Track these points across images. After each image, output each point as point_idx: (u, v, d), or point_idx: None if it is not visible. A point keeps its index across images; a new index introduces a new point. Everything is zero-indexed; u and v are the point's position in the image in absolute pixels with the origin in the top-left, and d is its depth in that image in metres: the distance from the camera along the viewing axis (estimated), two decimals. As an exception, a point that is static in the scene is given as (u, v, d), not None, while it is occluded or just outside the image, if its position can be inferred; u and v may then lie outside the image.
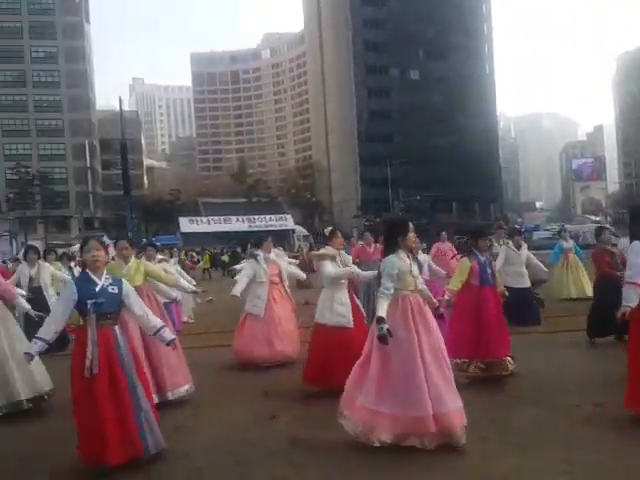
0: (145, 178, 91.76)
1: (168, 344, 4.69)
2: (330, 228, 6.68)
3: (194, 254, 33.32)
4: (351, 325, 5.94)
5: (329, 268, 6.04)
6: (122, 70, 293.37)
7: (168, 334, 4.67)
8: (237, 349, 7.71)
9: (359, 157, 79.94)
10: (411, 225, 4.70)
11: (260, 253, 7.91)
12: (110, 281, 4.36)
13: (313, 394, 6.00)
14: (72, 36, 70.71)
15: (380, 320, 4.28)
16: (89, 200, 70.73)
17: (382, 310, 4.34)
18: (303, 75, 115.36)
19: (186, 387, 6.05)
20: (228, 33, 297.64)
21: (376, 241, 9.86)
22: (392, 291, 4.45)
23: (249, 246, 13.89)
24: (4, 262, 22.41)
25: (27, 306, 6.47)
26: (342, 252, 6.41)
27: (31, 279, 9.40)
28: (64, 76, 70.52)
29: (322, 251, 6.33)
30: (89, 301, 4.18)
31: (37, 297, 8.72)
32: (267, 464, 4.28)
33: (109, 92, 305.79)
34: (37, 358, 5.12)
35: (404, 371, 4.32)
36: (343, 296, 6.04)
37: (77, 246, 14.18)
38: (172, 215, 62.70)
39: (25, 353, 4.41)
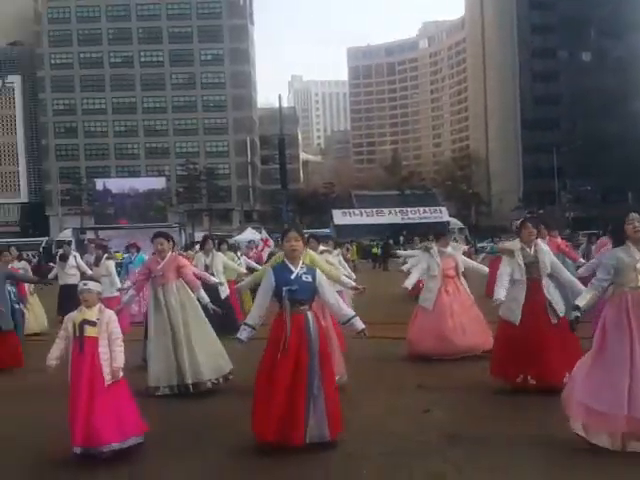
0: (301, 172, 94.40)
1: (359, 333, 4.79)
2: (521, 219, 6.52)
3: (349, 246, 33.20)
4: (516, 322, 5.82)
5: (502, 266, 6.06)
6: (281, 68, 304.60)
7: (359, 323, 4.76)
8: (409, 341, 7.81)
9: (521, 145, 75.48)
10: (634, 215, 4.35)
11: (434, 247, 7.91)
12: (305, 270, 4.60)
13: (470, 389, 5.99)
14: (237, 38, 73.89)
15: (575, 307, 4.41)
16: (249, 194, 73.98)
17: (582, 299, 4.44)
18: (462, 62, 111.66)
19: (337, 377, 6.14)
20: (384, 26, 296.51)
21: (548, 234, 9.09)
22: (604, 284, 4.40)
23: (420, 240, 13.81)
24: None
25: (207, 299, 6.66)
26: (537, 242, 6.09)
27: (206, 267, 9.82)
28: (229, 77, 73.99)
29: (505, 245, 6.26)
30: (284, 288, 4.46)
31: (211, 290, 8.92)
32: (420, 458, 4.24)
33: (269, 90, 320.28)
34: (218, 341, 6.34)
35: (609, 374, 4.16)
36: (517, 292, 5.90)
37: (238, 237, 15.24)
38: (326, 208, 63.48)
39: (235, 338, 4.74)
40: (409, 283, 8.01)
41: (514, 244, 6.05)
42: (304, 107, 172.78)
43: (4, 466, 4.43)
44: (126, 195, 66.93)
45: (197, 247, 13.07)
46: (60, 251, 14.21)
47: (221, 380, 6.29)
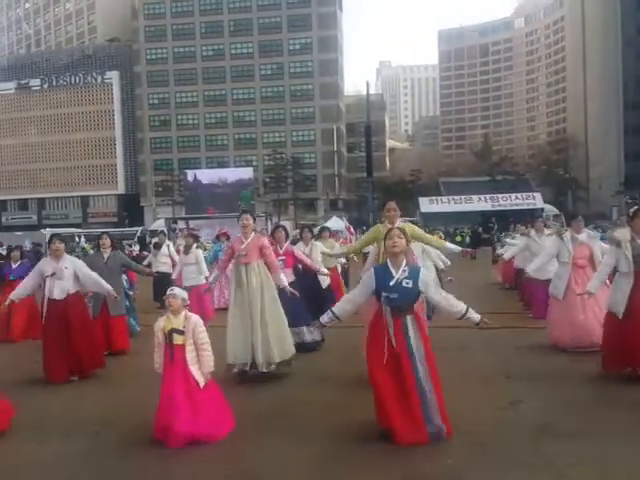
0: (387, 159, 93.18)
1: (478, 325, 4.74)
2: (636, 207, 6.21)
3: (441, 234, 32.37)
4: (619, 314, 5.72)
5: (606, 257, 6.02)
6: (370, 54, 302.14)
7: (475, 315, 4.70)
8: (549, 331, 7.73)
9: (623, 127, 70.69)
10: None
11: (567, 232, 7.65)
12: (406, 274, 4.47)
13: (559, 379, 5.92)
14: (326, 26, 73.52)
15: None
16: (335, 182, 74.00)
17: None
18: (560, 41, 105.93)
19: None
20: (477, 6, 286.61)
21: None
22: None
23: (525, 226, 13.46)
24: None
25: (285, 283, 6.72)
26: None
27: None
28: (317, 65, 73.90)
29: (615, 234, 6.10)
30: (383, 293, 4.47)
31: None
32: (510, 449, 4.22)
33: (356, 77, 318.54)
34: (287, 326, 6.61)
35: None
36: (623, 284, 5.76)
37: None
38: (412, 195, 62.25)
39: (317, 321, 4.90)
40: (531, 268, 8.04)
41: (624, 234, 5.79)
42: (392, 93, 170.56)
43: (120, 450, 4.60)
44: (215, 185, 68.81)
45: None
46: (155, 239, 14.92)
47: (284, 364, 6.46)
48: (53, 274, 6.65)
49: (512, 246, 12.78)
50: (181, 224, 56.07)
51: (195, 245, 11.51)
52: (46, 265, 6.82)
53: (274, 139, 74.36)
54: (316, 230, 12.75)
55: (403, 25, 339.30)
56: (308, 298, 7.68)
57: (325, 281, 9.35)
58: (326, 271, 8.64)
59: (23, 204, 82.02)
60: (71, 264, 6.84)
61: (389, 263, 4.53)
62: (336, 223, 40.77)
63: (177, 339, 4.59)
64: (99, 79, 78.69)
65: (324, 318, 4.74)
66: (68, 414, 5.51)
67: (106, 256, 8.69)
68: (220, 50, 75.25)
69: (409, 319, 4.49)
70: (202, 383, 4.58)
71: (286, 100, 74.58)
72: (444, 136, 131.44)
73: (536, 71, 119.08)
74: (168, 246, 13.32)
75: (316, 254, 9.76)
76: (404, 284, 4.43)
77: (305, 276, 8.36)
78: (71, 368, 6.72)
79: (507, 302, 12.45)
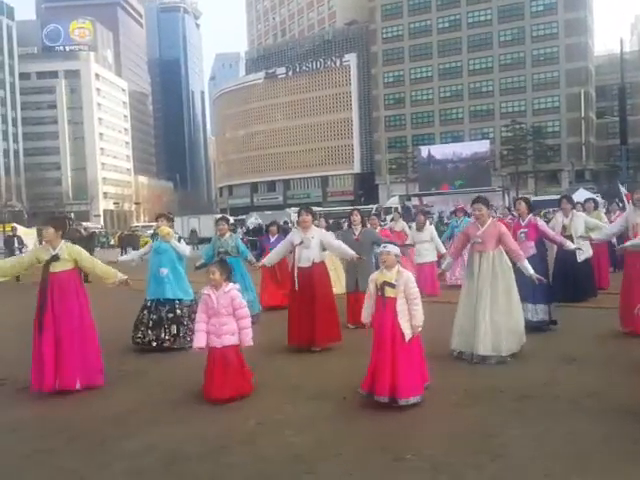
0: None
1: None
2: None
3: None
4: None
5: None
6: (621, 9, 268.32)
7: None
8: None
9: None
10: None
11: None
12: None
13: None
14: (572, -18, 67.18)
15: None
16: (581, 151, 67.05)
17: None
18: None
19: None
20: None
21: None
22: None
23: None
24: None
25: (530, 270, 6.31)
26: None
27: (564, 228, 9.62)
28: (562, 26, 67.97)
29: None
30: None
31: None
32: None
33: (607, 35, 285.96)
34: (522, 319, 6.42)
35: None
36: None
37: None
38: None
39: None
40: None
41: None
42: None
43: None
44: (449, 161, 67.14)
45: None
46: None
47: (509, 359, 6.14)
48: (301, 243, 7.08)
49: None
50: (414, 201, 55.75)
51: (428, 222, 11.67)
52: (295, 235, 7.28)
53: (513, 108, 70.10)
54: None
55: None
56: (565, 273, 7.93)
57: (582, 254, 9.02)
58: (572, 245, 8.07)
59: (271, 185, 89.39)
60: (317, 235, 7.20)
61: None
62: (585, 195, 36.99)
63: (389, 292, 4.83)
64: (338, 62, 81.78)
65: None
66: (314, 380, 5.81)
67: (357, 232, 8.78)
68: (456, 21, 73.05)
69: None
70: (408, 337, 4.75)
71: (527, 66, 69.75)
72: None
73: None
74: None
75: (577, 224, 9.40)
76: None
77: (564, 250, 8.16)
78: (309, 337, 6.95)
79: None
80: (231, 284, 5.30)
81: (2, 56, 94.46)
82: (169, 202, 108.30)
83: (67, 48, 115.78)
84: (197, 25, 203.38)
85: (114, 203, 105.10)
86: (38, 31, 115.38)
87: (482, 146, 67.04)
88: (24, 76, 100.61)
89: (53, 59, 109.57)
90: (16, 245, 19.02)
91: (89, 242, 17.24)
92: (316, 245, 7.11)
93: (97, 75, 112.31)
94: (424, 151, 69.57)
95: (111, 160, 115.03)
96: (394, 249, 4.96)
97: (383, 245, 5.06)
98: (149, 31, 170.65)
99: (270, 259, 7.68)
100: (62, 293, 5.55)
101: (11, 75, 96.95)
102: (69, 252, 5.64)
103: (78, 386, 5.54)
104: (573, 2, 67.30)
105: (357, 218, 8.84)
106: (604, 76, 70.30)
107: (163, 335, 7.31)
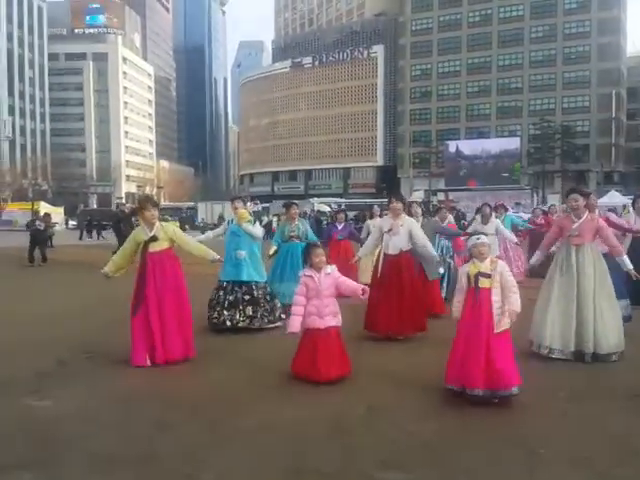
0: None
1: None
2: None
3: None
4: None
5: None
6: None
7: None
8: None
9: None
10: None
11: None
12: None
13: None
14: (608, -19, 66.01)
15: None
16: (610, 153, 66.07)
17: None
18: None
19: None
20: None
21: None
22: None
23: None
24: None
25: (629, 265, 6.19)
26: None
27: None
28: (595, 25, 66.91)
29: None
30: None
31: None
32: None
33: (638, 37, 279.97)
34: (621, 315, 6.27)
35: None
36: None
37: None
38: None
39: None
40: None
41: None
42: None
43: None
44: (477, 157, 66.49)
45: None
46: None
47: (615, 357, 5.93)
48: (390, 230, 7.06)
49: None
50: (440, 196, 55.35)
51: (494, 215, 11.39)
52: (385, 222, 7.27)
53: (542, 106, 69.26)
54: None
55: None
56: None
57: None
58: None
59: (293, 175, 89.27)
60: (407, 223, 7.18)
61: None
62: (612, 199, 36.38)
63: (483, 282, 4.71)
64: (365, 54, 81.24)
65: None
66: (409, 368, 5.77)
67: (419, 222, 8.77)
68: (488, 15, 72.26)
69: None
70: (505, 326, 4.63)
71: (558, 64, 68.88)
72: None
73: None
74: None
75: None
76: None
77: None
78: (396, 325, 6.90)
79: None
80: (329, 266, 5.31)
81: (32, 36, 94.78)
82: (191, 187, 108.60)
83: (96, 31, 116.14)
84: (223, 12, 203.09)
85: (138, 186, 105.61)
86: (68, 12, 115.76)
87: (512, 143, 66.35)
88: (52, 57, 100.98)
89: (82, 41, 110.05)
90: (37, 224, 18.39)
91: (130, 220, 17.56)
92: (405, 233, 7.10)
93: (124, 59, 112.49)
94: (452, 146, 68.98)
95: (135, 144, 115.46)
96: (486, 239, 4.92)
97: (476, 237, 4.95)
98: (175, 16, 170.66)
99: (365, 250, 7.71)
100: (162, 271, 5.78)
101: (40, 56, 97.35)
102: (165, 231, 5.89)
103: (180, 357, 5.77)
104: (607, 0, 66.15)
105: (418, 210, 9.00)
106: (636, 77, 69.40)
107: (238, 316, 7.33)
